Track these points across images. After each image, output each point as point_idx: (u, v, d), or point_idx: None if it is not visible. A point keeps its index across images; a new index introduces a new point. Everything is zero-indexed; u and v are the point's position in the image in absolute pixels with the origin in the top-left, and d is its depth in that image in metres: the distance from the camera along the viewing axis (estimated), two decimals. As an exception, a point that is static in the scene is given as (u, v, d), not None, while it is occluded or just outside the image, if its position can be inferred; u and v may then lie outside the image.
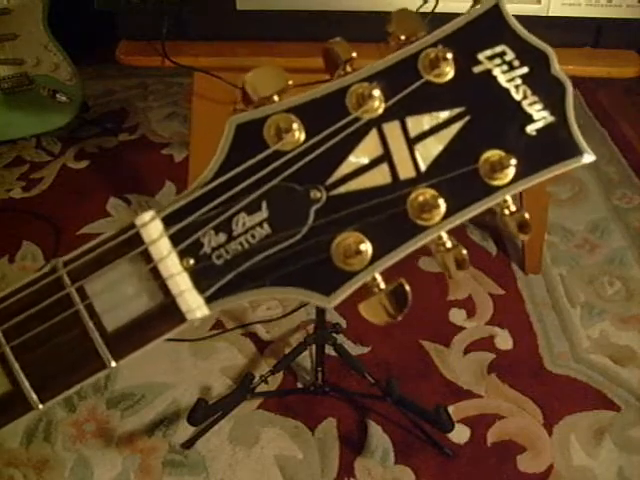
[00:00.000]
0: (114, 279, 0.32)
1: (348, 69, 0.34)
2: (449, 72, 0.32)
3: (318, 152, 0.32)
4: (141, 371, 1.30)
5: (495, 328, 1.39)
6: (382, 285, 0.33)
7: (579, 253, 1.60)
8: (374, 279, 0.33)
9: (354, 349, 1.32)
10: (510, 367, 1.30)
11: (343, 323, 1.38)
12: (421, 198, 0.32)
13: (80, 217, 1.68)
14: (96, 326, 0.32)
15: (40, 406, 0.33)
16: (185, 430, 1.18)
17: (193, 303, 0.32)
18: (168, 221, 0.32)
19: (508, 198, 0.32)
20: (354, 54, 0.33)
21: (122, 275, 0.32)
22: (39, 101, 1.86)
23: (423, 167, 0.32)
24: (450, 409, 1.17)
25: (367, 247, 0.32)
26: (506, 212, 0.33)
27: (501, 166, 0.31)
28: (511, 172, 0.32)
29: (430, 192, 0.32)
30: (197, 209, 0.32)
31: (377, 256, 0.32)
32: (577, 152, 0.33)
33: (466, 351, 1.34)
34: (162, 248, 0.32)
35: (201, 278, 0.32)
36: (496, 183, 0.32)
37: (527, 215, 0.32)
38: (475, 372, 1.29)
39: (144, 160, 1.93)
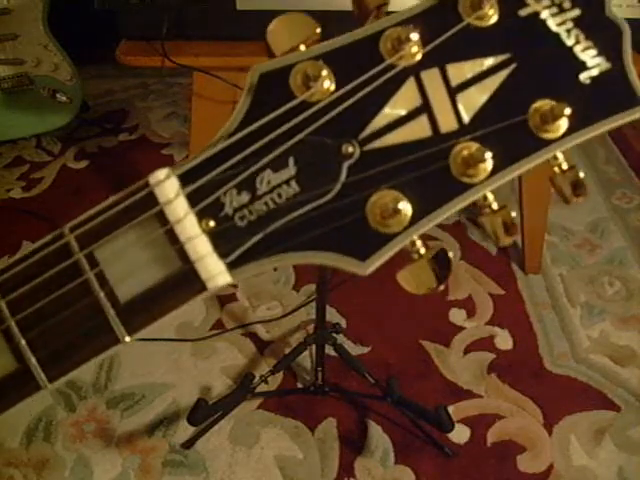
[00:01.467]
0: (126, 244, 0.30)
1: (381, 16, 0.31)
2: (493, 15, 0.29)
3: (350, 103, 0.29)
4: (141, 371, 1.30)
5: (495, 328, 1.39)
6: (422, 250, 0.30)
7: (579, 253, 1.60)
8: (413, 244, 0.30)
9: (354, 349, 1.32)
10: (510, 367, 1.30)
11: (343, 323, 1.38)
12: (465, 152, 0.29)
13: (80, 217, 1.68)
14: (108, 296, 0.30)
15: (49, 385, 0.30)
16: (185, 430, 1.18)
17: (214, 269, 0.29)
18: (185, 179, 0.30)
19: (559, 155, 0.30)
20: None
21: (135, 239, 0.30)
22: (39, 101, 1.86)
23: (466, 119, 0.29)
24: (450, 409, 1.17)
25: (406, 206, 0.29)
26: (557, 171, 0.30)
27: (553, 116, 0.28)
28: (564, 124, 0.29)
29: (475, 146, 0.29)
30: (217, 166, 0.29)
31: (417, 217, 0.29)
32: (636, 102, 0.29)
33: (466, 351, 1.34)
34: (179, 208, 0.29)
35: (222, 242, 0.29)
36: (547, 136, 0.29)
37: (582, 174, 0.29)
38: (475, 372, 1.29)
39: (144, 160, 1.93)
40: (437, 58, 0.29)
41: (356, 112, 0.29)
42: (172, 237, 0.29)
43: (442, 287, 0.30)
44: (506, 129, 0.29)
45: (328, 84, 0.30)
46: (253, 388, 1.17)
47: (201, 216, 0.29)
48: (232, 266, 0.30)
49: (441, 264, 0.30)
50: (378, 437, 1.18)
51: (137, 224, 0.30)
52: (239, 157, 0.29)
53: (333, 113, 0.29)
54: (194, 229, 0.29)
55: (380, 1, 0.31)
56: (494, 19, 0.29)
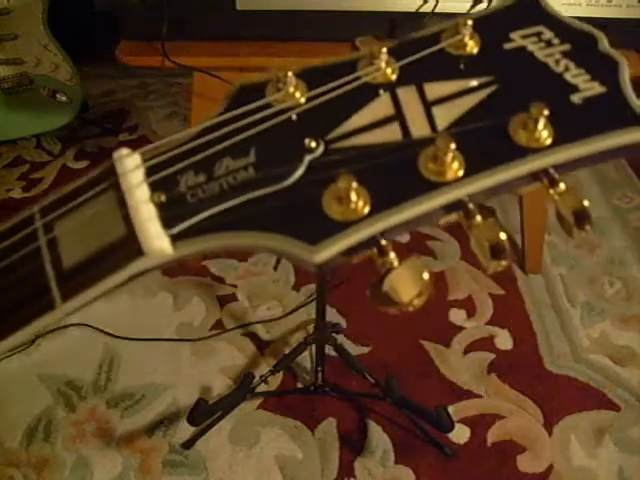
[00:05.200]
0: (83, 215, 0.30)
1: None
2: (473, 46, 0.31)
3: (316, 104, 0.31)
4: (141, 371, 1.30)
5: (495, 328, 1.39)
6: (395, 263, 0.28)
7: (579, 253, 1.60)
8: (384, 253, 0.28)
9: (354, 349, 1.32)
10: (510, 367, 1.30)
11: (343, 323, 1.38)
12: (434, 150, 0.28)
13: (80, 217, 1.68)
14: (53, 262, 0.30)
15: None
16: (185, 430, 1.18)
17: (153, 234, 0.29)
18: (146, 156, 0.31)
19: (553, 172, 0.28)
20: (383, 49, 0.32)
21: (91, 210, 0.30)
22: (39, 101, 1.86)
23: (440, 126, 0.29)
24: (450, 409, 1.17)
25: (364, 194, 0.28)
26: (556, 197, 0.28)
27: (532, 119, 0.27)
28: (547, 134, 0.28)
29: (445, 143, 0.28)
30: (179, 147, 0.31)
31: (376, 209, 0.28)
32: (635, 120, 0.28)
33: (466, 351, 1.34)
34: (134, 178, 0.30)
35: (169, 213, 0.29)
36: (529, 144, 0.28)
37: (586, 203, 0.27)
38: (475, 372, 1.29)
39: (144, 160, 1.93)
40: (413, 77, 0.31)
41: (324, 116, 0.30)
42: (121, 204, 0.30)
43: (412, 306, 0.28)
44: (482, 132, 0.28)
45: (299, 92, 0.31)
46: (253, 388, 1.17)
47: (154, 188, 0.30)
48: (176, 238, 0.29)
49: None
50: (378, 437, 1.18)
51: (96, 195, 0.31)
52: (201, 141, 0.31)
53: (298, 111, 0.31)
54: (143, 197, 0.30)
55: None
56: (475, 49, 0.31)
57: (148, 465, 1.14)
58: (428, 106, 0.30)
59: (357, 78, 0.31)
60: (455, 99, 0.30)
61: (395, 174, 0.28)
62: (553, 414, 1.22)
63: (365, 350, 1.33)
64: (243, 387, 1.17)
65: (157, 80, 2.34)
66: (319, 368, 1.18)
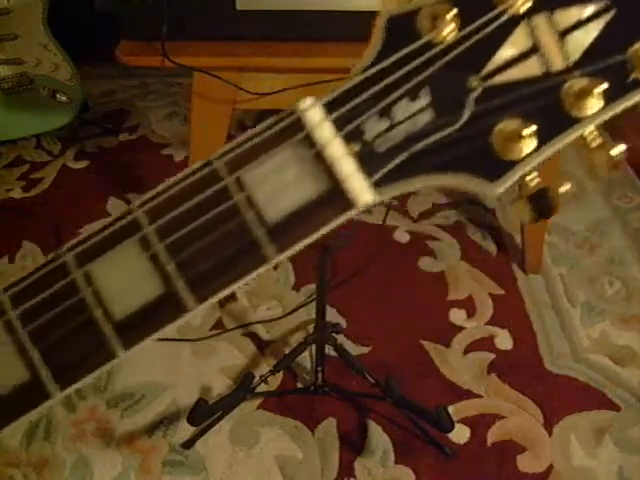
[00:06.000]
0: (274, 167, 0.31)
1: None
2: None
3: (471, 43, 0.32)
4: (141, 371, 1.30)
5: (495, 328, 1.39)
6: (533, 183, 0.33)
7: (579, 253, 1.60)
8: (524, 177, 0.33)
9: (354, 349, 1.32)
10: (510, 367, 1.30)
11: (343, 323, 1.38)
12: (577, 87, 0.32)
13: (80, 217, 1.67)
14: (257, 217, 0.31)
15: (195, 307, 0.31)
16: (185, 430, 1.18)
17: (360, 187, 0.31)
18: (329, 107, 0.32)
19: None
20: None
21: (282, 162, 0.31)
22: (39, 101, 1.86)
23: (574, 58, 0.32)
24: (450, 409, 1.17)
25: (530, 134, 0.32)
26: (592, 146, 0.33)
27: None
28: None
29: (584, 81, 0.32)
30: (357, 95, 0.32)
31: (537, 146, 0.32)
32: None
33: (466, 351, 1.34)
34: (326, 132, 0.31)
35: (366, 163, 0.31)
36: None
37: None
38: (475, 372, 1.29)
39: (144, 160, 1.93)
40: (545, 5, 0.32)
41: (476, 52, 0.32)
42: (320, 159, 0.31)
43: (539, 221, 0.34)
44: (610, 67, 0.32)
45: (451, 25, 0.32)
46: (253, 388, 1.17)
47: (346, 140, 0.31)
48: (377, 185, 0.32)
49: (538, 203, 0.33)
50: (378, 437, 1.18)
51: (285, 148, 0.31)
52: (377, 88, 0.32)
53: (457, 51, 0.32)
54: (341, 151, 0.31)
55: None
56: None
57: (148, 465, 1.14)
58: (559, 36, 0.32)
59: (503, 12, 0.32)
60: (580, 27, 0.32)
61: (546, 112, 0.32)
62: (553, 414, 1.22)
63: (365, 350, 1.33)
64: (243, 387, 1.17)
65: (157, 80, 2.34)
66: (319, 368, 1.18)
